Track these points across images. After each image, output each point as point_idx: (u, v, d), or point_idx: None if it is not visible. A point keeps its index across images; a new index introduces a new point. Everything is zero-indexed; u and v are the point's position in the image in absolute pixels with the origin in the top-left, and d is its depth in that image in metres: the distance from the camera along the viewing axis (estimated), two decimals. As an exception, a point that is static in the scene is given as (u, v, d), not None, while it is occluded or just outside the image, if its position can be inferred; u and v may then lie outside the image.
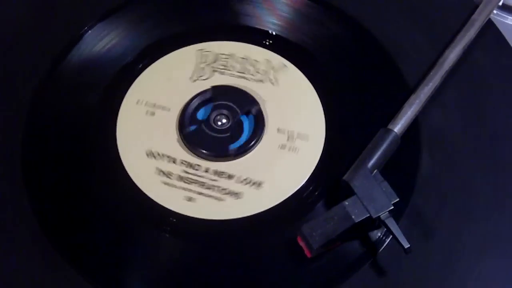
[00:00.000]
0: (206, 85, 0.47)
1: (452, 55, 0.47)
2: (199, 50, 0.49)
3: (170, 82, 0.47)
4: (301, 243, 0.40)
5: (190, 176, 0.44)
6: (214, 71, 0.48)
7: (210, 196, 0.43)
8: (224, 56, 0.48)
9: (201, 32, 0.50)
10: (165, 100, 0.47)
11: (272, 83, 0.47)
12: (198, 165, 0.44)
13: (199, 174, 0.44)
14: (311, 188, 0.43)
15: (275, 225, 0.42)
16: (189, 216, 0.42)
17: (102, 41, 0.49)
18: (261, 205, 0.43)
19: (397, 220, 0.40)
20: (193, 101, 0.46)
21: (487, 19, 0.49)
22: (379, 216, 0.39)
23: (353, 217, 0.39)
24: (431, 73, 0.46)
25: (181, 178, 0.44)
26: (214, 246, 0.42)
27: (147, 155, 0.44)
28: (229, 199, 0.43)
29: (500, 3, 0.52)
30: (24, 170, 0.44)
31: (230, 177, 0.44)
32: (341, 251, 0.41)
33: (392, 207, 0.40)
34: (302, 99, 0.47)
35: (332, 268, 0.41)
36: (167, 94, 0.47)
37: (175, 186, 0.43)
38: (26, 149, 0.45)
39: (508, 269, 0.41)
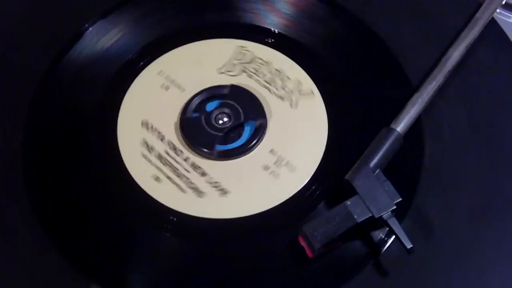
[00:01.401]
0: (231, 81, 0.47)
1: (455, 54, 0.46)
2: (239, 46, 0.48)
3: (197, 67, 0.47)
4: (303, 243, 0.40)
5: (168, 158, 0.44)
6: (244, 71, 0.47)
7: (176, 184, 0.43)
8: (260, 61, 0.48)
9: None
10: (184, 80, 0.47)
11: (291, 106, 0.47)
12: (181, 152, 0.44)
13: (177, 160, 0.44)
14: (313, 187, 0.43)
15: (276, 225, 0.42)
16: (187, 214, 0.42)
17: (103, 38, 0.49)
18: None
19: (399, 220, 0.40)
20: (207, 91, 0.46)
21: (490, 17, 0.49)
22: (381, 216, 0.39)
23: (355, 217, 0.39)
24: (434, 72, 0.45)
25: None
26: (215, 246, 0.41)
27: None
28: (191, 194, 0.43)
29: (503, 2, 0.51)
30: (25, 167, 0.43)
31: (203, 174, 0.43)
32: (343, 252, 0.40)
33: (395, 207, 0.39)
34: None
35: (334, 268, 0.40)
36: (189, 76, 0.47)
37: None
38: (27, 146, 0.44)
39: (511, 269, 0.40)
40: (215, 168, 0.44)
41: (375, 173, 0.41)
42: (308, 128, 0.45)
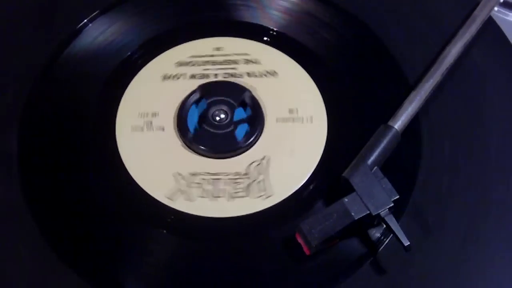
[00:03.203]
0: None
1: (453, 52, 0.46)
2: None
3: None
4: (300, 240, 0.39)
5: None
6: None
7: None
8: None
9: (201, 27, 0.49)
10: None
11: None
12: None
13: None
14: (311, 185, 0.43)
15: (274, 222, 0.42)
16: (187, 213, 0.42)
17: (103, 34, 0.49)
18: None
19: (397, 218, 0.40)
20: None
21: (488, 16, 0.49)
22: (379, 213, 0.39)
23: (352, 214, 0.39)
24: (432, 70, 0.45)
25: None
26: (213, 244, 0.41)
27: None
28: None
29: (501, 0, 0.51)
30: (21, 167, 0.43)
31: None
32: (340, 249, 0.40)
33: (392, 204, 0.39)
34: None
35: (332, 266, 0.40)
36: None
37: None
38: (23, 144, 0.44)
39: (509, 267, 0.40)
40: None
41: (373, 171, 0.41)
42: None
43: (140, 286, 0.40)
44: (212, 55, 0.48)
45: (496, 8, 0.51)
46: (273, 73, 0.47)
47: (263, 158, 0.44)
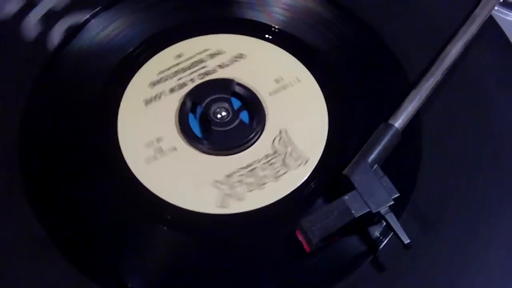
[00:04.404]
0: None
1: (453, 51, 0.46)
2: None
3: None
4: (300, 238, 0.40)
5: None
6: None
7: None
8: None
9: (206, 24, 0.50)
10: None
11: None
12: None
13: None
14: (311, 182, 0.43)
15: (274, 219, 0.42)
16: (184, 209, 0.42)
17: (105, 30, 0.49)
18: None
19: (397, 216, 0.40)
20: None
21: (488, 15, 0.49)
22: (379, 211, 0.39)
23: (353, 211, 0.39)
24: (432, 69, 0.46)
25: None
26: (213, 241, 0.41)
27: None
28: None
29: (501, 0, 0.51)
30: (23, 164, 0.43)
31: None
32: (341, 247, 0.41)
33: (392, 202, 0.40)
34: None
35: (333, 263, 0.40)
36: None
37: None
38: (25, 141, 0.44)
39: (509, 266, 0.41)
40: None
41: (373, 169, 0.41)
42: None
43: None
44: (177, 64, 0.47)
45: (496, 8, 0.51)
46: (240, 56, 0.47)
47: (280, 132, 0.44)
